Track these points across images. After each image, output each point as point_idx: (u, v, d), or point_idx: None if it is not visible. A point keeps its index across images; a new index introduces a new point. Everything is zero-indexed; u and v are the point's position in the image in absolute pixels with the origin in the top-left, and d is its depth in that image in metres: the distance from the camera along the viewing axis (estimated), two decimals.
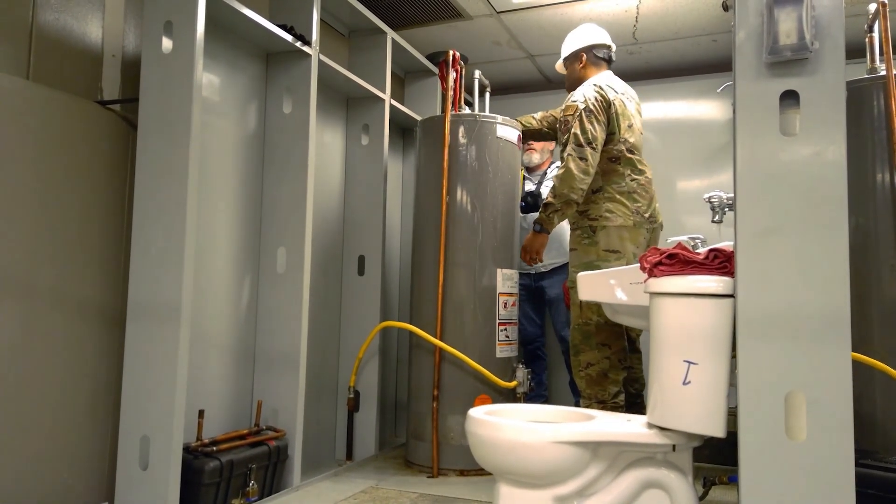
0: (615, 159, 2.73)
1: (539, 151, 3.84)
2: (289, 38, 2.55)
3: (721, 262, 1.58)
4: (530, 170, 3.83)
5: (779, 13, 1.37)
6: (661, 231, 2.92)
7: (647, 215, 2.76)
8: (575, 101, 2.71)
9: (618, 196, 2.72)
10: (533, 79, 4.43)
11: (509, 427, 1.78)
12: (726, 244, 1.88)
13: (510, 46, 3.90)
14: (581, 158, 2.64)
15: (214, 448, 2.19)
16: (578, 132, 2.64)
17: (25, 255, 1.97)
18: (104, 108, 2.24)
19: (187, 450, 2.13)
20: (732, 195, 2.68)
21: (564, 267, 3.74)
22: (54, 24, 2.13)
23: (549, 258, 3.72)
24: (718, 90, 3.70)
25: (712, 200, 2.77)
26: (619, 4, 3.33)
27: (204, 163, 2.34)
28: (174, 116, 2.07)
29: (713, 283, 1.55)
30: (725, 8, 2.29)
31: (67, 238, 2.10)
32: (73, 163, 2.13)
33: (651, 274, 1.67)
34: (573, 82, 2.92)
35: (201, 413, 2.24)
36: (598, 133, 2.67)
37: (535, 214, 3.71)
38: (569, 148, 2.66)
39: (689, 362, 1.56)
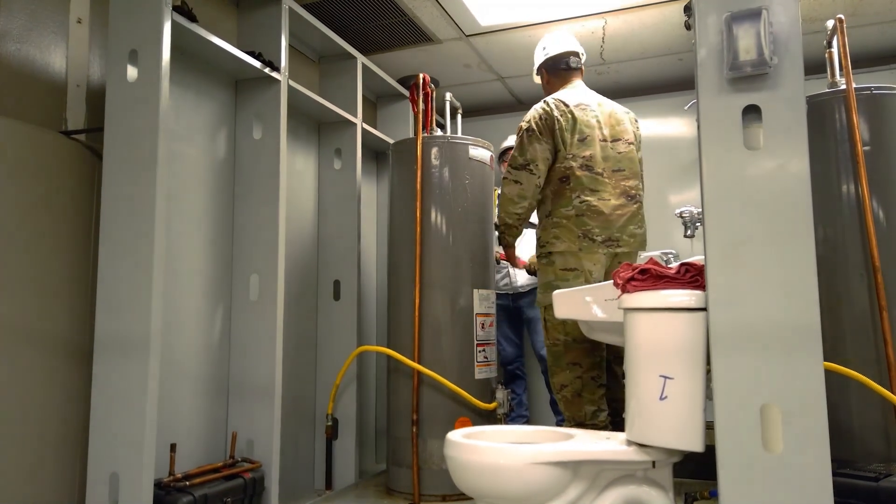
0: (564, 179, 2.60)
1: None
2: (257, 64, 2.54)
3: (693, 276, 1.59)
4: None
5: (737, 30, 1.40)
6: (627, 256, 2.67)
7: (600, 238, 2.56)
8: (521, 122, 2.68)
9: (564, 221, 2.59)
10: (504, 100, 4.47)
11: (487, 449, 1.75)
12: (697, 258, 1.89)
13: (480, 69, 3.94)
14: (515, 182, 2.61)
15: (187, 483, 2.13)
16: (517, 154, 2.62)
17: None
18: (68, 139, 2.21)
19: (159, 485, 2.07)
20: (700, 210, 2.74)
21: None
22: (16, 54, 2.10)
23: (526, 279, 3.72)
24: (685, 108, 3.76)
25: (683, 215, 2.78)
26: (584, 26, 3.38)
27: (173, 190, 2.31)
28: (140, 145, 2.05)
29: (685, 297, 1.55)
30: (688, 27, 2.34)
31: (33, 271, 2.05)
32: (37, 194, 2.09)
33: (624, 290, 1.68)
34: (545, 95, 2.90)
35: (173, 447, 2.18)
36: (539, 154, 2.58)
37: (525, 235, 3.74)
38: (505, 171, 2.65)
39: (665, 377, 1.56)
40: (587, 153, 2.62)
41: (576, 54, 2.85)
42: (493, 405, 2.89)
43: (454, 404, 2.84)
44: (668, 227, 3.70)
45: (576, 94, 2.74)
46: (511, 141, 3.88)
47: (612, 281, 2.21)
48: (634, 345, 1.65)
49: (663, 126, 4.10)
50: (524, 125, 2.65)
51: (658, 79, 4.05)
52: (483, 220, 3.03)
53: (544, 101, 2.69)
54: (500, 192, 2.70)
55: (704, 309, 1.54)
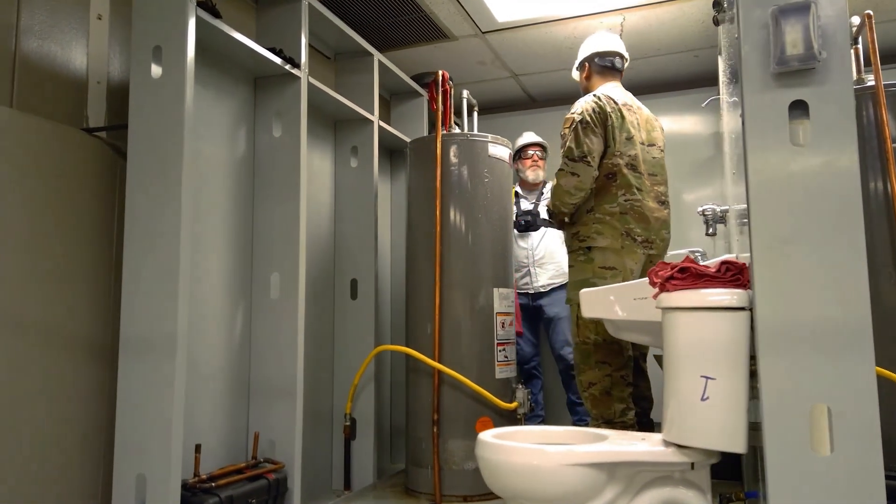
0: (611, 175, 2.61)
1: (543, 169, 3.84)
2: (278, 60, 2.51)
3: (733, 275, 1.57)
4: (526, 187, 3.83)
5: (785, 23, 1.37)
6: (658, 258, 2.74)
7: (640, 239, 2.61)
8: (572, 114, 2.64)
9: (607, 217, 2.60)
10: (517, 98, 4.45)
11: (523, 450, 1.73)
12: (729, 256, 1.87)
13: (494, 66, 3.92)
14: (572, 174, 2.57)
15: (213, 484, 2.11)
16: (573, 146, 2.57)
17: (11, 287, 1.89)
18: (91, 136, 2.18)
19: (185, 486, 2.05)
20: (725, 208, 2.72)
21: (563, 287, 3.72)
22: (38, 51, 2.07)
23: (547, 278, 3.71)
24: (703, 104, 3.74)
25: (706, 213, 2.76)
26: (603, 23, 3.35)
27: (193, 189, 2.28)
28: (165, 143, 2.02)
29: (727, 296, 1.53)
30: (716, 22, 2.32)
31: (55, 270, 2.03)
32: (59, 192, 2.07)
33: (663, 288, 1.65)
34: (582, 91, 2.87)
35: (198, 448, 2.15)
36: (595, 146, 2.57)
37: (534, 233, 3.71)
38: (562, 162, 2.60)
39: (707, 377, 1.54)
40: (633, 152, 2.65)
41: (622, 56, 2.87)
42: (513, 405, 2.87)
43: (475, 404, 2.82)
44: (683, 224, 3.68)
45: (621, 94, 2.76)
46: (526, 138, 3.86)
47: (640, 280, 2.20)
48: (674, 345, 1.62)
49: (679, 123, 4.08)
50: (577, 117, 2.61)
51: (674, 76, 4.02)
52: (503, 218, 3.01)
53: (594, 95, 2.68)
54: (553, 183, 2.68)
55: (747, 308, 1.52)
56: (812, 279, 1.36)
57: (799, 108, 1.41)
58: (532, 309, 3.72)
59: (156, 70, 2.06)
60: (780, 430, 1.36)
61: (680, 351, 1.61)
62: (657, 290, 1.72)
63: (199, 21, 2.11)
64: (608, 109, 2.62)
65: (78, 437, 2.06)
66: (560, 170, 2.62)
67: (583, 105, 2.64)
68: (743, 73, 1.45)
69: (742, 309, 1.51)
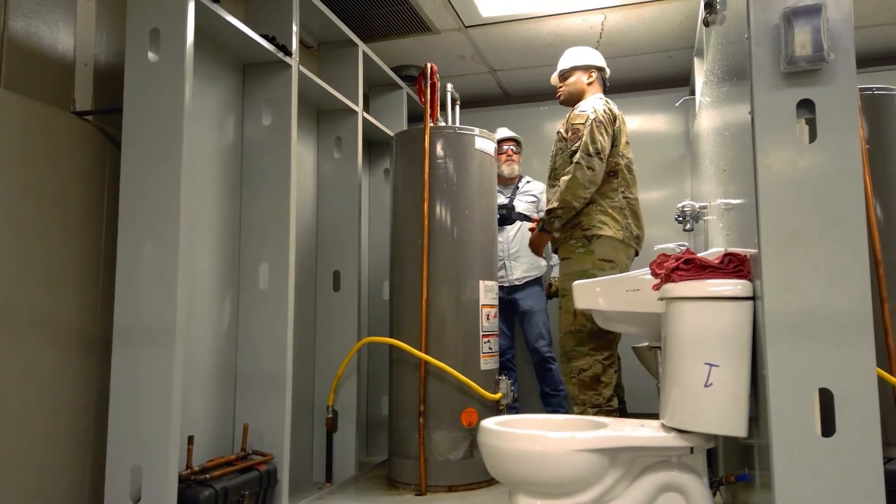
0: (613, 173, 2.79)
1: (518, 164, 3.89)
2: (271, 48, 2.48)
3: (735, 266, 1.63)
4: (502, 181, 3.87)
5: (796, 25, 1.43)
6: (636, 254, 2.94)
7: (634, 234, 2.83)
8: (584, 112, 2.77)
9: (609, 210, 2.77)
10: (492, 93, 4.48)
11: (528, 437, 1.76)
12: (715, 250, 1.94)
13: (474, 61, 3.94)
14: (588, 168, 2.69)
15: (207, 476, 2.07)
16: (589, 142, 2.69)
17: None
18: (80, 119, 2.12)
19: (179, 479, 2.01)
20: (704, 204, 2.81)
21: (537, 280, 3.78)
22: (25, 30, 2.00)
23: (521, 271, 3.75)
24: (677, 104, 3.84)
25: (685, 210, 2.85)
26: (585, 20, 3.41)
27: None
28: (163, 128, 1.98)
29: (731, 286, 1.58)
30: (706, 24, 2.39)
31: (42, 257, 1.97)
32: (49, 176, 2.00)
33: (668, 279, 1.70)
34: (572, 94, 2.96)
35: (191, 439, 2.12)
36: (606, 144, 2.73)
37: (509, 227, 3.75)
38: (578, 156, 2.70)
39: (711, 365, 1.59)
40: (630, 155, 2.87)
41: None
42: (498, 395, 2.91)
43: (460, 395, 2.84)
44: (654, 220, 3.76)
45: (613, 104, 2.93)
46: (501, 133, 3.90)
47: (632, 273, 2.26)
48: (678, 334, 1.68)
49: (651, 122, 4.17)
50: (592, 115, 2.74)
51: (648, 75, 4.12)
52: (489, 210, 3.04)
53: (602, 99, 2.85)
54: (566, 178, 2.73)
55: (750, 298, 1.58)
56: (816, 270, 1.43)
57: (804, 107, 1.48)
58: (507, 302, 3.76)
59: (153, 53, 2.01)
60: (787, 415, 1.42)
61: (684, 339, 1.66)
62: (660, 280, 1.77)
63: (197, 4, 2.07)
64: (615, 113, 2.81)
65: (65, 428, 2.00)
66: (576, 163, 2.70)
67: (594, 106, 2.77)
68: (753, 72, 1.50)
69: (746, 298, 1.57)
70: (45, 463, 1.93)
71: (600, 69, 3.00)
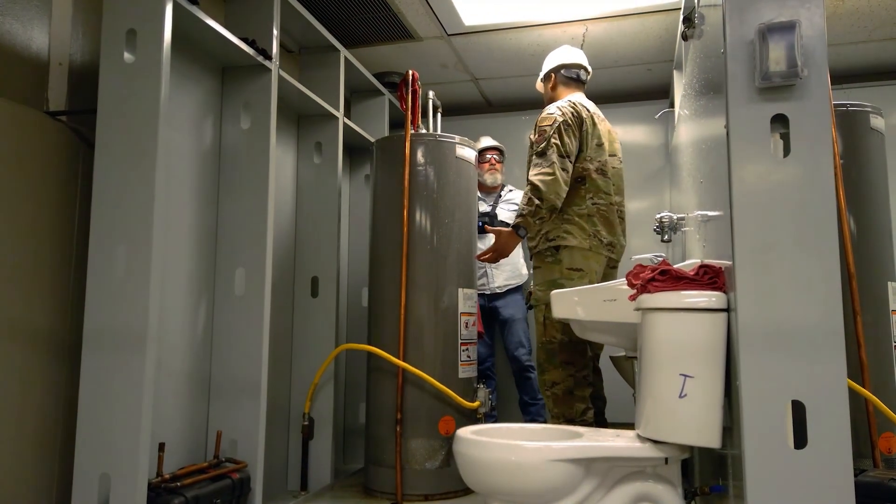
0: (580, 179, 2.70)
1: (500, 173, 3.89)
2: (250, 51, 2.46)
3: (710, 278, 1.64)
4: (484, 190, 3.87)
5: (770, 41, 1.45)
6: (614, 262, 2.85)
7: (605, 241, 2.72)
8: (552, 114, 2.69)
9: (576, 218, 2.69)
10: (474, 101, 4.50)
11: (503, 446, 1.76)
12: (691, 262, 1.96)
13: (456, 69, 3.95)
14: (563, 169, 2.61)
15: (177, 484, 2.04)
16: (559, 143, 2.61)
17: None
18: (53, 120, 2.09)
19: (149, 486, 1.97)
20: (682, 216, 2.83)
21: (518, 289, 3.78)
22: None
23: (503, 279, 3.75)
24: (656, 116, 3.88)
25: (663, 221, 2.86)
26: (566, 31, 3.43)
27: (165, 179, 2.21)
28: (138, 130, 1.95)
29: (707, 297, 1.59)
30: (685, 37, 2.41)
31: (12, 258, 1.92)
32: (19, 177, 1.97)
33: (643, 290, 1.71)
34: (547, 102, 2.94)
35: (161, 446, 2.08)
36: (574, 148, 2.66)
37: (492, 237, 3.74)
38: (554, 157, 2.59)
39: (686, 375, 1.60)
40: (602, 158, 2.75)
41: (585, 69, 2.97)
42: (476, 404, 2.90)
43: (438, 403, 2.83)
44: (634, 231, 3.79)
45: (588, 103, 2.85)
46: (484, 142, 3.90)
47: (609, 283, 2.27)
48: (654, 344, 1.68)
49: (630, 134, 4.20)
50: (559, 118, 2.66)
51: (628, 87, 4.15)
52: (468, 218, 3.04)
53: (569, 101, 2.76)
54: (547, 178, 2.60)
55: (725, 310, 1.59)
56: (789, 283, 1.44)
57: (779, 122, 1.49)
58: (488, 310, 3.76)
59: (129, 54, 1.99)
60: (759, 426, 1.43)
61: (659, 350, 1.67)
62: (636, 291, 1.78)
63: (175, 5, 2.05)
64: (583, 115, 2.73)
65: (31, 434, 1.96)
66: (552, 163, 2.60)
67: (560, 109, 2.70)
68: (728, 86, 1.52)
69: (720, 310, 1.58)
70: (10, 469, 1.89)
71: (557, 69, 2.93)
